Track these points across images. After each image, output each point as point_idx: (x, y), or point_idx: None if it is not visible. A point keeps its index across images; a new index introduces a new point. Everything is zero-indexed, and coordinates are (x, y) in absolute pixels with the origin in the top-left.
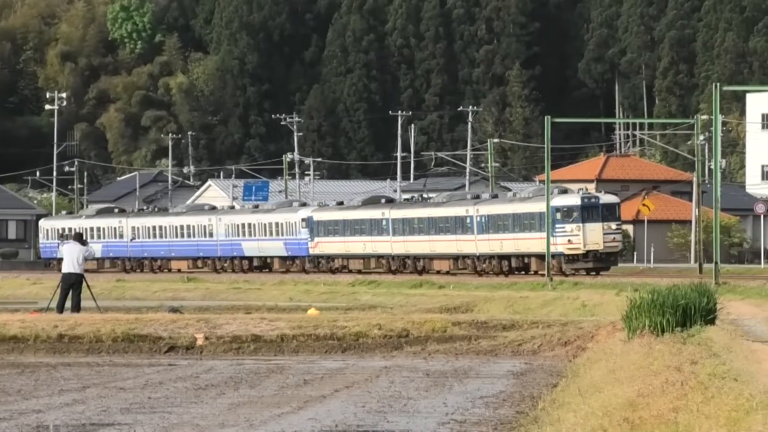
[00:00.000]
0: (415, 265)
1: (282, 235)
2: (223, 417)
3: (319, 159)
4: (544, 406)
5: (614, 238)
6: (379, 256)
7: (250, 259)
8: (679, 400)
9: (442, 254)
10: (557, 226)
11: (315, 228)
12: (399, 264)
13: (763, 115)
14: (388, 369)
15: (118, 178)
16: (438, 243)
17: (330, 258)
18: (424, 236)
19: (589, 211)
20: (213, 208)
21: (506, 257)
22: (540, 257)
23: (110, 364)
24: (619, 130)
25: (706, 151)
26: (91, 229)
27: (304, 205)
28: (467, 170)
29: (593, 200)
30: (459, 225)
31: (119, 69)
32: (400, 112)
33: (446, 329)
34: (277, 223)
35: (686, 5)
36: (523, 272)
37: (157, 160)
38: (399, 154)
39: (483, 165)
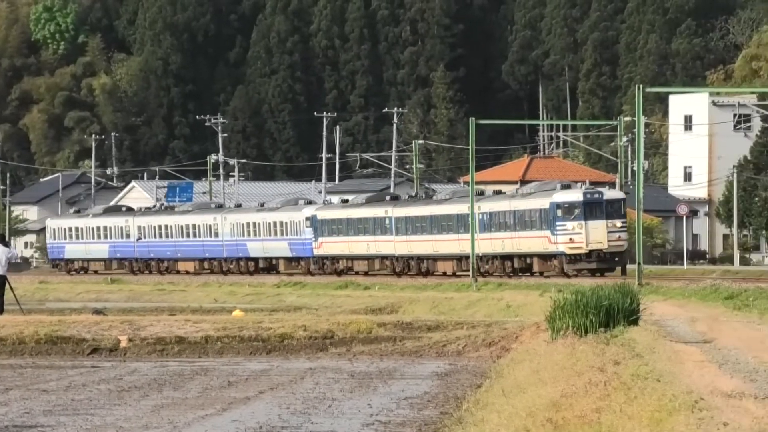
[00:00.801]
0: (419, 267)
1: (286, 234)
2: (147, 419)
3: (244, 160)
4: (468, 406)
5: (619, 237)
6: (383, 257)
7: (256, 260)
8: (603, 401)
9: (445, 255)
10: (558, 223)
11: (319, 227)
12: (403, 265)
13: (685, 117)
14: (313, 370)
15: (41, 179)
16: (441, 243)
17: (334, 259)
18: (427, 236)
19: (592, 208)
20: (220, 206)
21: (508, 257)
22: (542, 257)
23: (33, 366)
24: (543, 131)
25: (629, 152)
26: (98, 228)
27: (309, 203)
28: (392, 171)
29: (596, 196)
30: (461, 223)
31: (42, 70)
32: (325, 113)
33: (371, 330)
34: (281, 222)
35: (609, 7)
36: (528, 274)
37: (80, 161)
38: (324, 155)
39: (408, 166)
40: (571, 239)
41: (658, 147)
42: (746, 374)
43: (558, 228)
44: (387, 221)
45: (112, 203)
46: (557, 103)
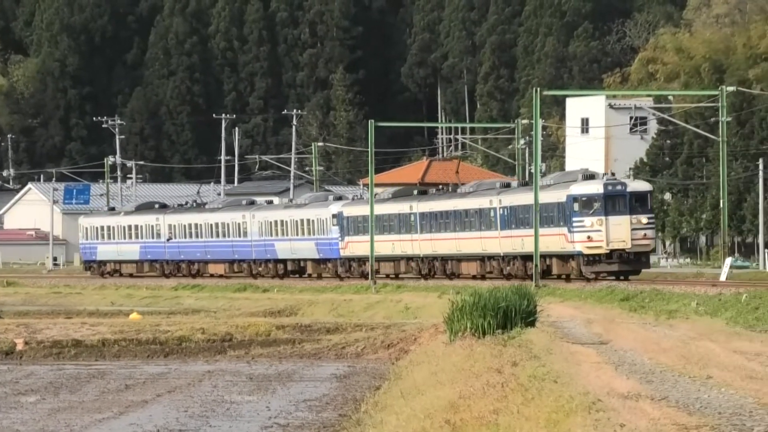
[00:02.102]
0: (444, 269)
1: (313, 234)
2: (44, 422)
3: (142, 162)
4: (366, 408)
5: (645, 235)
6: (408, 258)
7: (285, 261)
8: (500, 402)
9: (469, 255)
10: (575, 219)
11: (345, 225)
12: (428, 267)
13: (582, 120)
14: (211, 373)
15: None
16: (464, 241)
17: (361, 261)
18: (450, 233)
19: (614, 201)
20: (251, 203)
21: (530, 258)
22: (561, 258)
23: None
24: (442, 134)
25: (527, 155)
26: (129, 227)
27: (339, 198)
28: (291, 173)
29: (619, 188)
30: (484, 219)
31: None
32: (223, 115)
33: (270, 333)
34: (308, 220)
35: (507, 10)
36: (553, 276)
37: None
38: (223, 157)
39: (307, 168)
40: (589, 237)
41: (555, 149)
42: (642, 375)
43: (575, 224)
44: (412, 218)
45: (8, 206)
46: (456, 106)
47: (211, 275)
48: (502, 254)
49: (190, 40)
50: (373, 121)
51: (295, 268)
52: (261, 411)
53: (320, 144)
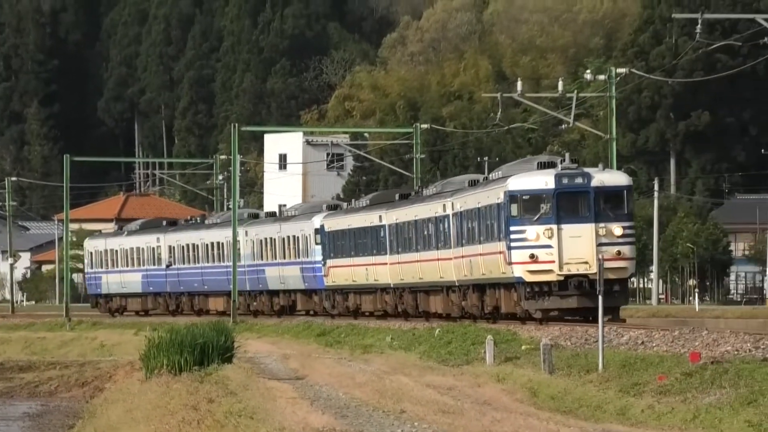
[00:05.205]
0: (416, 304)
1: (298, 256)
2: None
3: None
4: None
5: (619, 253)
6: (382, 289)
7: (278, 293)
8: None
9: (429, 284)
10: (513, 228)
11: (327, 243)
12: (397, 301)
13: (280, 156)
14: None
15: None
16: (425, 264)
17: (345, 293)
18: (413, 254)
19: (571, 202)
20: (255, 216)
21: (481, 287)
22: (506, 288)
23: None
24: (139, 169)
25: (225, 190)
26: (131, 250)
27: (335, 207)
28: None
29: (579, 180)
30: (438, 231)
31: None
32: None
33: None
34: (293, 238)
35: (204, 45)
36: (507, 318)
37: None
38: None
39: (0, 204)
40: (533, 256)
41: (253, 185)
42: (337, 410)
43: (513, 237)
44: (381, 232)
45: None
46: (153, 141)
47: (220, 312)
48: (456, 282)
49: None
50: (68, 155)
51: (288, 303)
52: None
53: (14, 179)
